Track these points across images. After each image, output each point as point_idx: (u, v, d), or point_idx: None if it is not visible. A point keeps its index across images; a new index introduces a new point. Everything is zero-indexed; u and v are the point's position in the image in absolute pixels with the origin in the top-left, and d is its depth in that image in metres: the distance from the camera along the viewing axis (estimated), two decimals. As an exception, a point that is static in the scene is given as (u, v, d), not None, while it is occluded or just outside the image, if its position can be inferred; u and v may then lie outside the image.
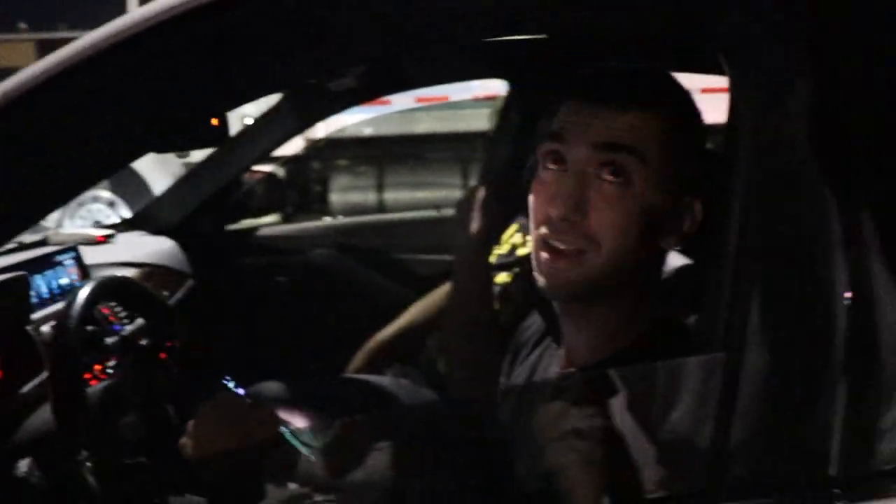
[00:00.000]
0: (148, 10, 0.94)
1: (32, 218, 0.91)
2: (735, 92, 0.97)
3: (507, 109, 2.72)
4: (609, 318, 1.09)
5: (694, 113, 1.11)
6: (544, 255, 1.06)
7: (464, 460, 1.19)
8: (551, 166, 1.07)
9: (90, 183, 0.95)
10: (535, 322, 1.35)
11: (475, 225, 1.64)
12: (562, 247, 1.05)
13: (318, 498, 1.21)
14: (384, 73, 2.13)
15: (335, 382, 2.08)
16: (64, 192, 0.90)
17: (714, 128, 1.14)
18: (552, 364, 1.22)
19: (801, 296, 0.85)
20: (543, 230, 1.06)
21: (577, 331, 1.13)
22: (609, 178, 1.03)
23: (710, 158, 1.11)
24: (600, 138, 1.04)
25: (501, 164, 2.64)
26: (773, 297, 0.85)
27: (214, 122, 1.78)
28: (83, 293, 1.20)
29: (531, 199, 1.10)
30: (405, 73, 2.23)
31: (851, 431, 0.82)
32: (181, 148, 1.53)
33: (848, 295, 0.83)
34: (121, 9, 6.76)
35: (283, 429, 1.16)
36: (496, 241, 2.15)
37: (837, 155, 0.89)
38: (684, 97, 1.12)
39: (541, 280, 1.08)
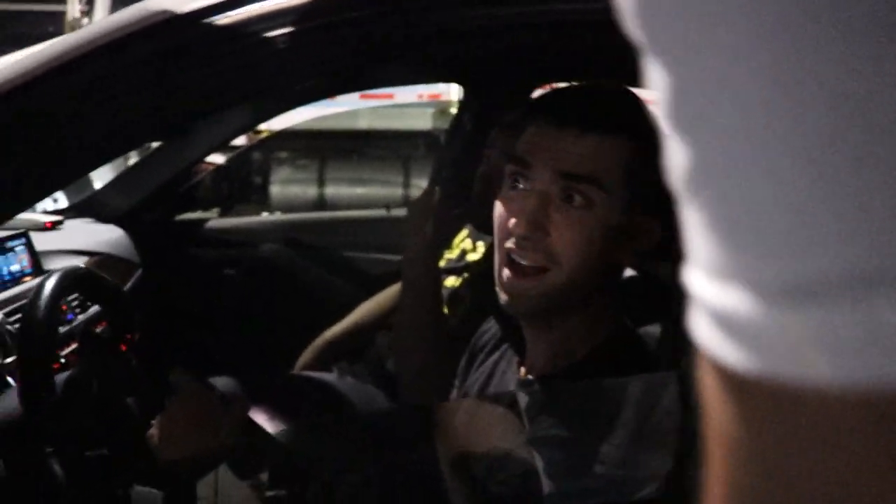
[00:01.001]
0: (116, 20, 0.96)
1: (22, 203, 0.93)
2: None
3: (461, 114, 2.75)
4: (568, 330, 1.13)
5: (657, 133, 1.15)
6: (507, 271, 1.10)
7: (416, 464, 1.22)
8: (515, 185, 1.11)
9: (84, 171, 0.97)
10: (492, 327, 1.38)
11: (427, 229, 1.67)
12: (524, 262, 1.08)
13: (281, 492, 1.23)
14: (346, 74, 2.14)
15: (284, 379, 2.09)
16: (59, 179, 0.92)
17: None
18: (509, 370, 1.26)
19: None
20: (507, 245, 1.10)
21: (537, 340, 1.17)
22: (570, 202, 1.07)
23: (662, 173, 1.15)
24: (562, 166, 1.07)
25: (453, 170, 2.67)
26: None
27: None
28: (50, 283, 1.19)
29: (495, 214, 1.14)
30: (365, 72, 2.24)
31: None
32: (147, 140, 1.53)
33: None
34: None
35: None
36: (446, 245, 2.19)
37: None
38: (648, 118, 1.15)
39: (502, 296, 1.12)
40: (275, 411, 1.89)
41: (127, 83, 0.92)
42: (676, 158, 0.26)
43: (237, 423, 1.17)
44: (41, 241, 2.00)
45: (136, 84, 0.92)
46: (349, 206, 4.66)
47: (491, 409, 1.19)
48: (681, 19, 0.24)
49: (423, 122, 6.58)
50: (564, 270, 1.07)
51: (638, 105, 1.16)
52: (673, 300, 1.16)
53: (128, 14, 0.93)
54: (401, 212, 2.89)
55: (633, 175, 1.09)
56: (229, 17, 0.90)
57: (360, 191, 6.21)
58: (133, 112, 0.93)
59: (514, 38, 1.30)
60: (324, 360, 2.21)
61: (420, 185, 5.91)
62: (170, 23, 0.89)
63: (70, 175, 0.94)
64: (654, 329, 1.40)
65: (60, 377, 1.22)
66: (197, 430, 1.14)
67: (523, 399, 1.14)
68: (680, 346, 1.08)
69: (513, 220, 1.08)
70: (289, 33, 0.92)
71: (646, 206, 1.10)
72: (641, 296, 1.53)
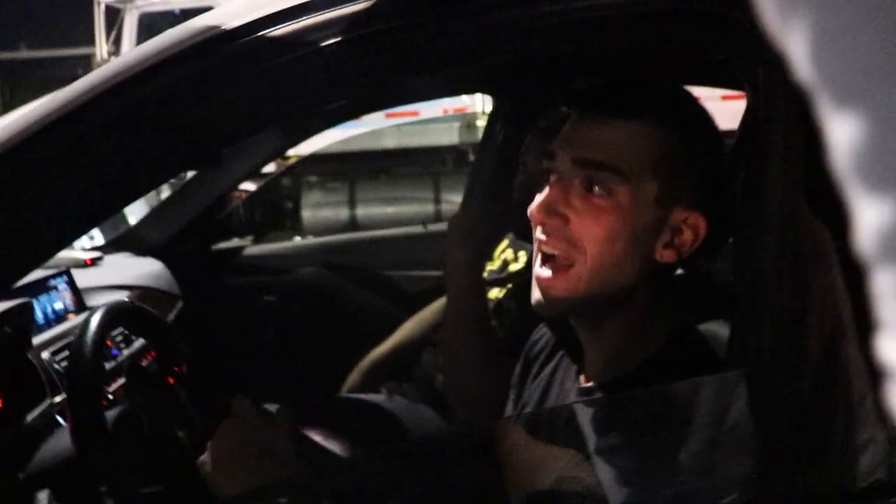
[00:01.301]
0: (164, 40, 0.94)
1: (62, 241, 0.91)
2: (756, 108, 0.98)
3: (491, 124, 2.73)
4: (622, 333, 1.09)
5: (697, 125, 1.09)
6: (538, 265, 1.07)
7: (473, 485, 1.19)
8: (548, 179, 1.09)
9: (121, 205, 0.94)
10: (543, 335, 1.34)
11: (468, 243, 1.64)
12: (550, 251, 1.05)
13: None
14: (378, 89, 2.12)
15: (331, 402, 2.07)
16: (97, 214, 0.90)
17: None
18: (567, 380, 1.22)
19: (830, 308, 0.86)
20: (536, 235, 1.08)
21: (591, 346, 1.12)
22: (590, 191, 1.03)
23: (719, 171, 1.10)
24: (578, 154, 1.04)
25: (489, 181, 2.64)
26: (805, 309, 0.85)
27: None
28: (96, 318, 1.18)
29: None
30: (394, 88, 2.22)
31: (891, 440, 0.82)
32: (180, 171, 1.51)
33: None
34: (88, 30, 6.68)
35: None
36: (488, 257, 2.15)
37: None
38: (687, 108, 1.10)
39: (535, 295, 1.08)
40: (326, 436, 1.86)
41: (175, 104, 0.90)
42: (870, 219, 0.21)
43: (288, 441, 1.14)
44: (82, 277, 2.00)
45: (185, 105, 0.90)
46: (382, 226, 4.66)
47: (550, 424, 1.15)
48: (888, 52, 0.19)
49: (449, 137, 6.58)
50: (588, 262, 1.03)
51: (675, 94, 1.11)
52: (734, 298, 1.11)
53: (177, 33, 0.91)
54: (437, 227, 2.87)
55: (663, 166, 1.04)
56: (278, 30, 0.88)
57: (391, 210, 6.22)
58: (181, 135, 0.91)
59: (545, 42, 1.27)
60: (371, 381, 2.18)
61: (451, 200, 5.91)
62: (220, 39, 0.87)
63: (116, 204, 0.92)
64: (710, 327, 1.36)
65: (110, 413, 1.20)
66: (246, 446, 1.11)
67: (585, 408, 1.10)
68: (747, 344, 1.03)
69: (532, 208, 1.06)
70: (335, 44, 0.89)
71: (686, 201, 1.05)
72: (696, 295, 1.49)
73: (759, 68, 0.94)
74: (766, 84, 0.93)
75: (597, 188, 1.03)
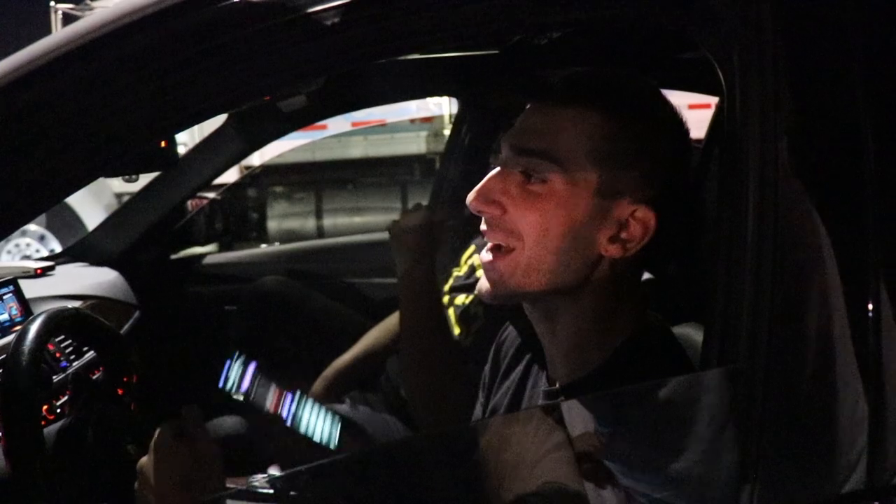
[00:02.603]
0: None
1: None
2: (731, 102, 0.93)
3: (457, 127, 2.69)
4: (577, 329, 1.05)
5: (653, 117, 1.04)
6: (483, 251, 1.05)
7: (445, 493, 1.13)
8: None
9: (32, 215, 0.86)
10: (510, 333, 1.29)
11: (419, 244, 1.56)
12: (492, 241, 1.04)
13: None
14: (337, 91, 2.07)
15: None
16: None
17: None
18: (539, 384, 1.17)
19: (818, 306, 0.82)
20: (481, 226, 1.06)
21: (550, 343, 1.09)
22: (528, 180, 1.01)
23: (680, 168, 1.05)
24: (517, 142, 1.03)
25: (454, 183, 2.60)
26: (792, 308, 0.81)
27: (163, 144, 1.70)
28: (34, 327, 1.10)
29: None
30: (357, 91, 2.17)
31: (878, 443, 0.78)
32: (132, 171, 1.44)
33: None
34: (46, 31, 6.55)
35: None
36: (454, 263, 2.10)
37: (840, 163, 0.86)
38: (641, 100, 1.05)
39: (480, 283, 1.06)
40: (287, 449, 1.80)
41: (141, 73, 0.81)
42: None
43: (209, 464, 1.05)
44: (32, 288, 1.91)
45: (149, 76, 0.82)
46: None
47: (522, 426, 1.10)
48: None
49: (416, 146, 6.55)
50: (526, 248, 1.01)
51: (627, 84, 1.06)
52: (706, 299, 1.07)
53: None
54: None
55: (605, 155, 1.00)
56: None
57: (358, 220, 6.16)
58: (140, 111, 0.82)
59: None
60: (335, 390, 2.12)
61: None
62: (196, 1, 0.80)
63: (17, 219, 0.83)
64: (684, 331, 1.32)
65: (53, 428, 1.13)
66: (169, 471, 1.02)
67: (554, 411, 1.05)
68: (726, 343, 0.98)
69: (469, 196, 1.04)
70: (325, 11, 0.82)
71: (634, 195, 1.00)
72: (669, 297, 1.45)
73: (734, 53, 0.90)
74: (740, 69, 0.89)
75: (535, 176, 1.01)
